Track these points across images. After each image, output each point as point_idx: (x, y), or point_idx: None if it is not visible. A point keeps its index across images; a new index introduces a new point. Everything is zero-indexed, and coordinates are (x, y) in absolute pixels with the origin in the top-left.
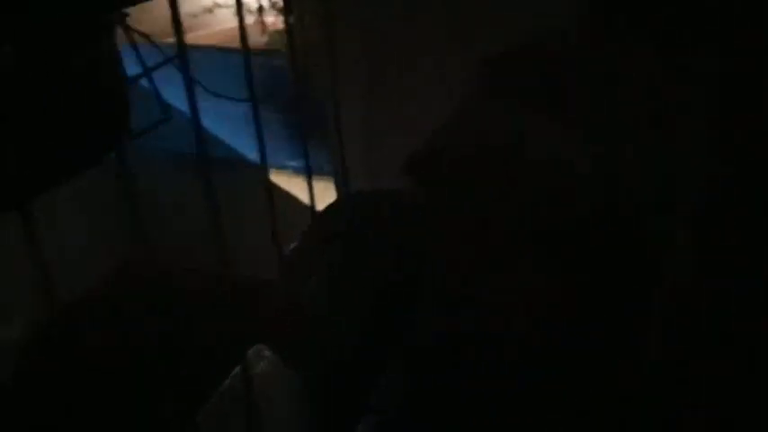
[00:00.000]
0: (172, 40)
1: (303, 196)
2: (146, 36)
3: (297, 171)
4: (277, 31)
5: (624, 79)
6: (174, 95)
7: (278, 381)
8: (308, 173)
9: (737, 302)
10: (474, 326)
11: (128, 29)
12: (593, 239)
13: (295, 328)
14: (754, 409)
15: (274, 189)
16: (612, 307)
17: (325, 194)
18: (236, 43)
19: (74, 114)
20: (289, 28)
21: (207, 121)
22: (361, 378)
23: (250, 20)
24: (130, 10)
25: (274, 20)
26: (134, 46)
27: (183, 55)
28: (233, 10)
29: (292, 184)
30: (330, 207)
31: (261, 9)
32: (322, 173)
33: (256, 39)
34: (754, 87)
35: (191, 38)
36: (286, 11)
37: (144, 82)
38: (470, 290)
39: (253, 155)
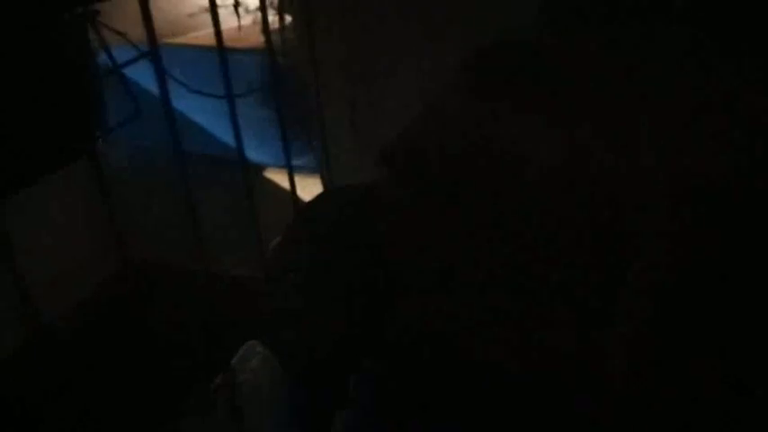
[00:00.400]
0: (169, 39)
1: (302, 194)
2: (121, 34)
3: (297, 169)
4: (276, 31)
5: (608, 75)
6: (181, 97)
7: (270, 374)
8: (289, 168)
9: (720, 303)
10: (450, 321)
11: (99, 27)
12: (572, 236)
13: (282, 325)
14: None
15: (274, 187)
16: (590, 303)
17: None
18: (235, 43)
19: (48, 112)
20: (266, 27)
21: (207, 120)
22: (340, 371)
23: (248, 19)
24: (121, 10)
25: (273, 19)
26: (105, 44)
27: (155, 51)
28: (230, 9)
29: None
30: (314, 201)
31: (236, 8)
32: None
33: (256, 38)
34: (744, 80)
35: (190, 38)
36: (263, 13)
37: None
38: (447, 285)
39: (253, 153)
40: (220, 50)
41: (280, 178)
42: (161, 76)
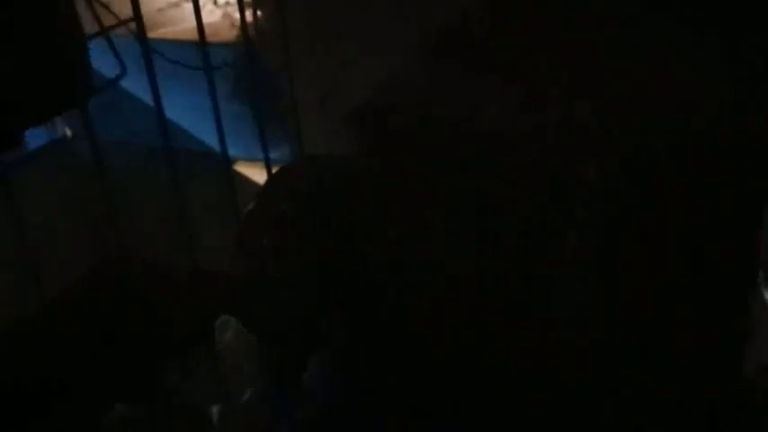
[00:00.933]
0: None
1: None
2: (104, 6)
3: (271, 162)
4: (249, 25)
5: (557, 47)
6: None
7: (243, 343)
8: (267, 159)
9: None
10: (413, 282)
11: None
12: (527, 203)
13: (255, 293)
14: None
15: (245, 180)
16: (543, 264)
17: None
18: (208, 37)
19: (35, 68)
20: (243, 22)
21: (175, 114)
22: (310, 328)
23: (218, 14)
24: None
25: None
26: (94, 12)
27: (139, 18)
28: (200, 4)
29: (265, 176)
30: (286, 169)
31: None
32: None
33: (228, 32)
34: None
35: (160, 33)
36: (240, 6)
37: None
38: (410, 251)
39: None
40: (202, 43)
41: (250, 171)
42: (145, 47)
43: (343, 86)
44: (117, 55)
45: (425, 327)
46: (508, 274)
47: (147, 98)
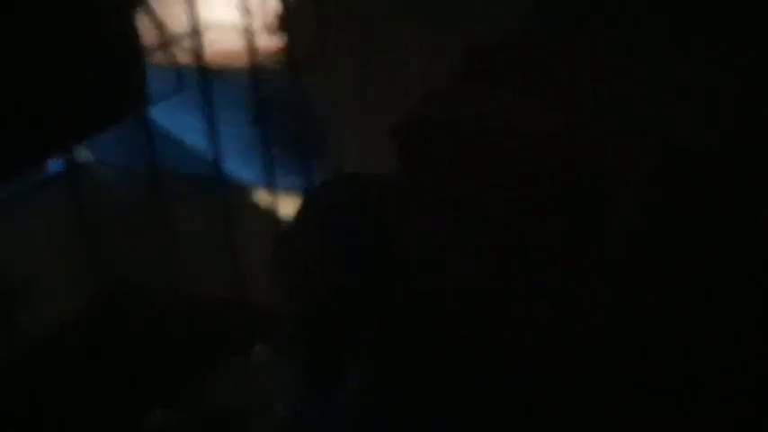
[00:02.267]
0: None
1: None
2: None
3: (287, 189)
4: (269, 53)
5: (598, 64)
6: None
7: (270, 363)
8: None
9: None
10: (445, 296)
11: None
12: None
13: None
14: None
15: (264, 207)
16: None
17: None
18: (232, 63)
19: (92, 78)
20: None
21: (199, 140)
22: (344, 336)
23: (240, 42)
24: None
25: (266, 42)
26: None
27: (197, 34)
28: (223, 30)
29: (284, 203)
30: (324, 184)
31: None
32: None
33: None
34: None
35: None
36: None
37: None
38: (445, 264)
39: (243, 174)
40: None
41: (269, 197)
42: (203, 66)
43: (384, 99)
44: (177, 68)
45: (467, 358)
46: (556, 297)
47: (168, 124)
